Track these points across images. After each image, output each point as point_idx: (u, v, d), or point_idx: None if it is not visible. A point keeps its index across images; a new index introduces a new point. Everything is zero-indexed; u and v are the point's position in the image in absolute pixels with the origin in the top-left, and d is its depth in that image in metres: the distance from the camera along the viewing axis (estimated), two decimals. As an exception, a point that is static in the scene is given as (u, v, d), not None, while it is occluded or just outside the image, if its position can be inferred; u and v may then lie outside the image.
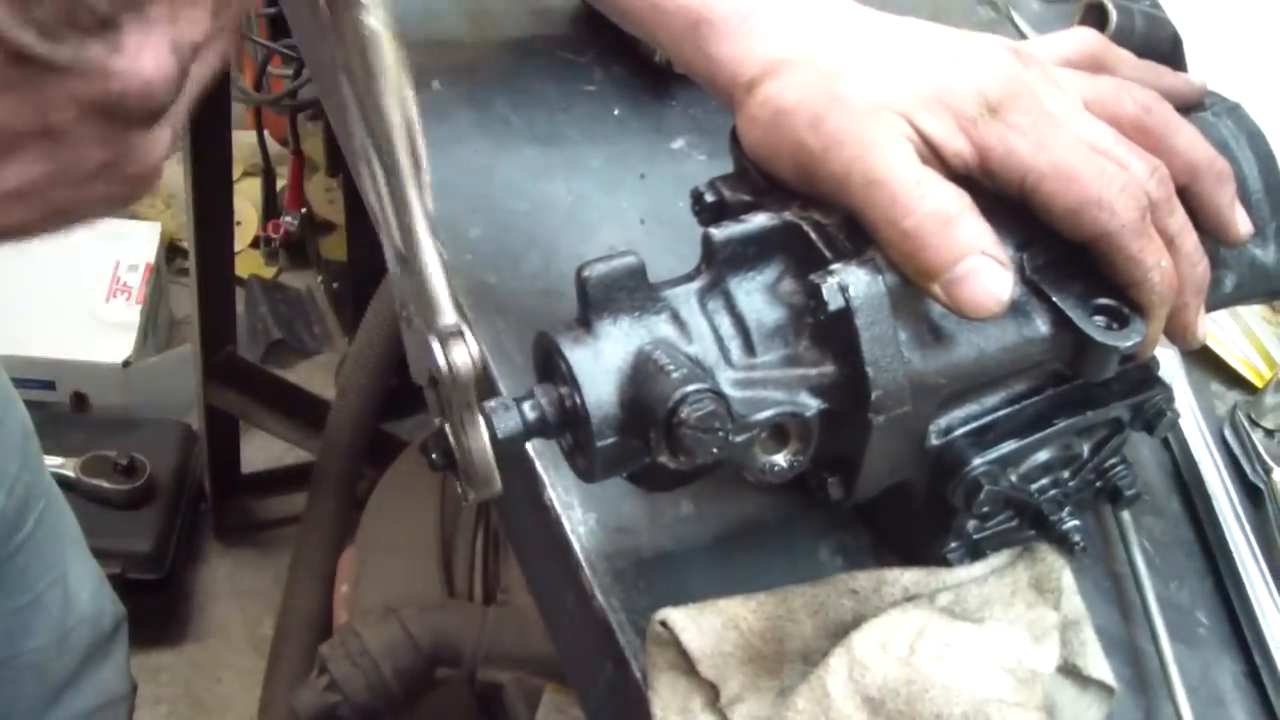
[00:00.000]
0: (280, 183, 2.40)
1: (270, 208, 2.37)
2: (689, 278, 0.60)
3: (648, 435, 0.56)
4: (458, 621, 1.45)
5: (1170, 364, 0.78)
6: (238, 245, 2.32)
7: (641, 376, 0.57)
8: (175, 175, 2.71)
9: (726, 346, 0.59)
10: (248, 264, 2.57)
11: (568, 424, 0.59)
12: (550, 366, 0.59)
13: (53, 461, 1.62)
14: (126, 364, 2.25)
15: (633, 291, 0.58)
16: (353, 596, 1.57)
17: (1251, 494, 0.75)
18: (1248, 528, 0.73)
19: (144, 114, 0.47)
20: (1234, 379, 0.83)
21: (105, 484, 2.06)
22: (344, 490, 1.81)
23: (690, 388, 0.55)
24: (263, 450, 2.31)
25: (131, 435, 2.15)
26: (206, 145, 1.82)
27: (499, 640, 1.43)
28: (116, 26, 0.44)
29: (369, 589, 1.57)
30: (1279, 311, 0.84)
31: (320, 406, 2.00)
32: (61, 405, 2.26)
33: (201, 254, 1.93)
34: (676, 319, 0.59)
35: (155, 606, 2.12)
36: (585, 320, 0.58)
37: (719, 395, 0.55)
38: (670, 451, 0.56)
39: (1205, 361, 0.83)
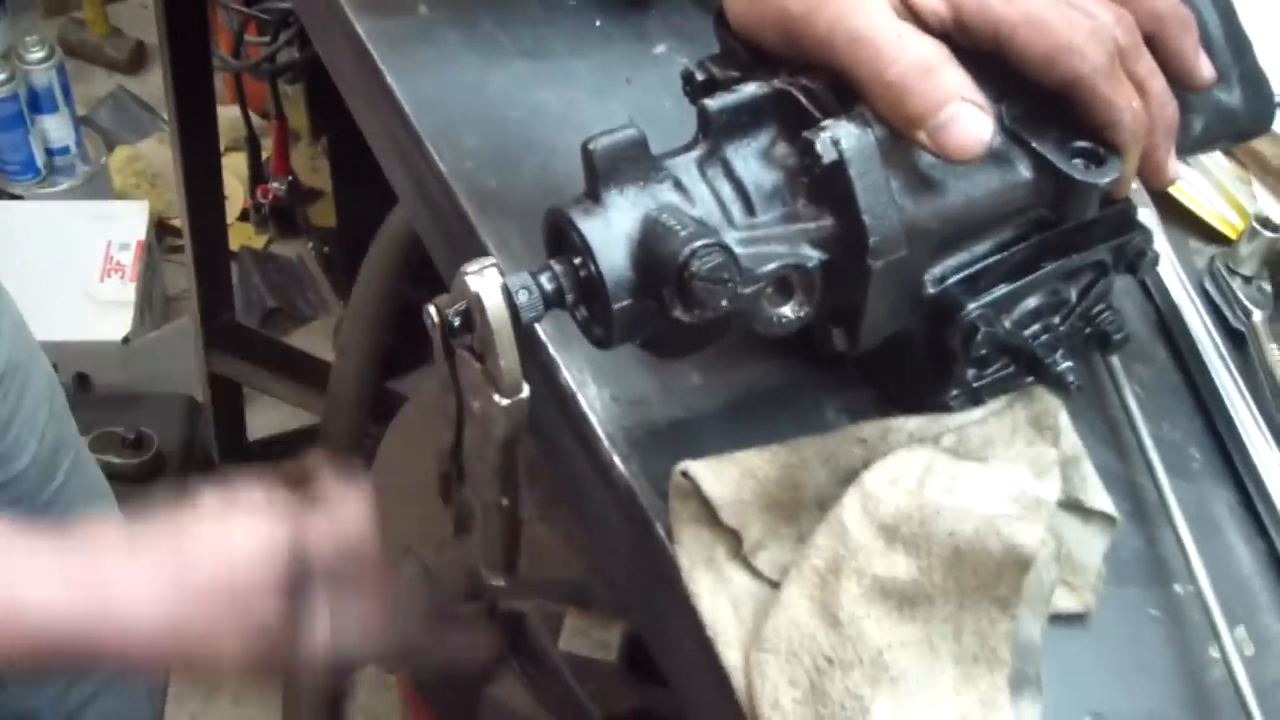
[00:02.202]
0: (265, 154, 2.42)
1: (257, 177, 2.40)
2: (687, 148, 0.63)
3: (661, 294, 0.59)
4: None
5: (1149, 222, 0.81)
6: (227, 219, 2.34)
7: (651, 239, 0.60)
8: (160, 154, 2.73)
9: (728, 209, 0.62)
10: (238, 236, 2.59)
11: (584, 293, 0.61)
12: (562, 241, 0.62)
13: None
14: (126, 341, 2.27)
15: (636, 162, 0.61)
16: (369, 544, 1.59)
17: (1234, 337, 0.79)
18: (1233, 367, 0.77)
19: None
20: (1210, 235, 0.86)
21: (115, 459, 2.07)
22: (351, 449, 1.83)
23: (699, 243, 0.58)
24: (267, 417, 2.34)
25: (136, 410, 2.17)
26: (193, 113, 1.84)
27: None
28: None
29: (384, 536, 1.59)
30: (1248, 169, 0.88)
31: (322, 370, 2.02)
32: (65, 387, 2.27)
33: (194, 218, 1.95)
34: (679, 186, 0.62)
35: (173, 576, 2.14)
36: (593, 193, 0.61)
37: (726, 249, 0.58)
38: (684, 305, 0.59)
39: (1182, 219, 0.86)
